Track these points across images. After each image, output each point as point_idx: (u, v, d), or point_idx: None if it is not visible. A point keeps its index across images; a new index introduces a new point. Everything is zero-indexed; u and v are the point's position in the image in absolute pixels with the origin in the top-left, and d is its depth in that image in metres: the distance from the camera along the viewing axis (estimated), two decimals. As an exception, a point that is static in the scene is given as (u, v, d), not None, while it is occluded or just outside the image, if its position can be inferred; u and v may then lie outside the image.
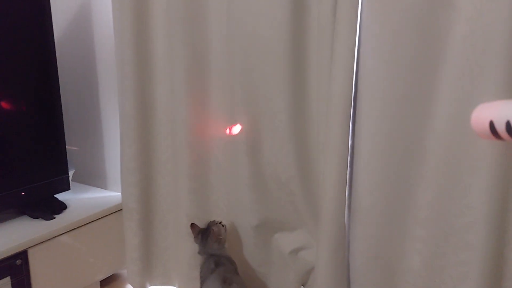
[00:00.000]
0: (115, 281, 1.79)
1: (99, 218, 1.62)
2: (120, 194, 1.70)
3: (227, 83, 1.44)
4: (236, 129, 1.46)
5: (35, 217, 1.54)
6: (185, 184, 1.56)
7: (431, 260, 1.17)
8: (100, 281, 1.73)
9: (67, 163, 1.64)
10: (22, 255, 1.37)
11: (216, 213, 1.60)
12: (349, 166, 1.23)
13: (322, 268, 1.28)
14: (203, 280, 1.40)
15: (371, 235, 1.24)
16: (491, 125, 0.38)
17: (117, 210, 1.68)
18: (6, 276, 1.34)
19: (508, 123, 0.38)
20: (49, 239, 1.45)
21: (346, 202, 1.24)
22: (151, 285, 1.74)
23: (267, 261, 1.56)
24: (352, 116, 1.22)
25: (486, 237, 1.07)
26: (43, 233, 1.43)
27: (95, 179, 1.89)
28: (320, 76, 1.29)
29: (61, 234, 1.49)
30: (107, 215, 1.65)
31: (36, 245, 1.41)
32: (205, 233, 1.45)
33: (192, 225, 1.49)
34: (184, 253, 1.62)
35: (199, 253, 1.47)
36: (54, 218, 1.54)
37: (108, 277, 1.76)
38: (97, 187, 1.88)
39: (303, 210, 1.44)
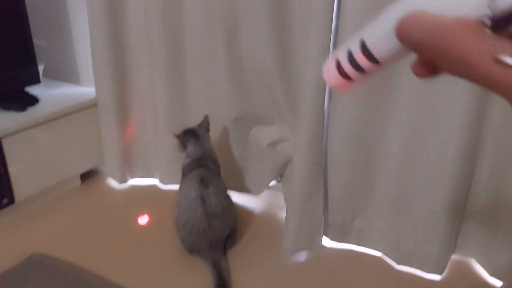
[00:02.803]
0: (95, 175, 1.81)
1: (73, 112, 1.58)
2: (94, 89, 1.65)
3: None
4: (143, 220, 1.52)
5: (6, 108, 1.49)
6: (162, 78, 1.52)
7: (410, 142, 1.20)
8: (81, 176, 1.74)
9: (34, 54, 1.55)
10: (-4, 145, 1.35)
11: (194, 107, 1.58)
12: (333, 48, 1.20)
13: (300, 155, 1.31)
14: (183, 176, 1.42)
15: (350, 119, 1.25)
16: (337, 63, 0.35)
17: (92, 105, 1.64)
18: (-19, 165, 1.33)
19: (349, 52, 0.33)
20: (23, 129, 1.42)
21: (327, 87, 1.23)
22: (132, 178, 1.77)
23: (245, 154, 1.59)
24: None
25: (467, 117, 1.10)
26: (16, 123, 1.40)
27: (67, 75, 1.81)
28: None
29: (35, 125, 1.46)
30: (81, 109, 1.61)
31: (9, 135, 1.38)
32: (192, 132, 1.43)
33: (177, 135, 1.44)
34: (164, 147, 1.62)
35: (188, 157, 1.44)
36: (26, 110, 1.49)
37: (88, 172, 1.77)
38: (69, 83, 1.81)
39: (282, 103, 1.43)
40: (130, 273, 1.29)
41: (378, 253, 1.40)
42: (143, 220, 1.53)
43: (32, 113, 1.48)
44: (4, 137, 1.37)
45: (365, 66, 0.33)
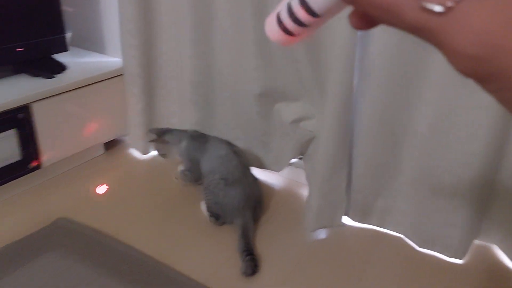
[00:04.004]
0: (118, 145, 1.83)
1: (100, 81, 1.59)
2: (121, 60, 1.65)
3: None
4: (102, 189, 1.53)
5: (34, 75, 1.50)
6: (188, 49, 1.51)
7: (438, 122, 1.17)
8: (105, 145, 1.77)
9: (63, 22, 1.56)
10: (25, 110, 1.37)
11: (219, 80, 1.57)
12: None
13: (326, 132, 1.29)
14: (194, 156, 1.44)
15: (379, 97, 1.22)
16: (278, 18, 0.33)
17: (118, 75, 1.65)
18: (11, 129, 1.35)
19: (289, 7, 0.32)
20: (51, 96, 1.44)
21: (357, 64, 1.21)
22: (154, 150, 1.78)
23: (268, 130, 1.58)
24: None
25: None
26: (45, 89, 1.42)
27: (94, 44, 1.82)
28: None
29: (63, 92, 1.47)
30: (108, 79, 1.62)
31: (38, 100, 1.40)
32: (160, 130, 1.53)
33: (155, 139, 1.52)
34: (189, 118, 1.63)
35: (182, 140, 1.49)
36: (54, 77, 1.51)
37: (111, 141, 1.79)
38: (95, 52, 1.82)
39: (308, 79, 1.41)
40: (151, 239, 1.31)
41: (399, 234, 1.39)
42: (102, 189, 1.55)
43: (60, 80, 1.50)
44: (34, 102, 1.39)
45: (305, 20, 0.32)
